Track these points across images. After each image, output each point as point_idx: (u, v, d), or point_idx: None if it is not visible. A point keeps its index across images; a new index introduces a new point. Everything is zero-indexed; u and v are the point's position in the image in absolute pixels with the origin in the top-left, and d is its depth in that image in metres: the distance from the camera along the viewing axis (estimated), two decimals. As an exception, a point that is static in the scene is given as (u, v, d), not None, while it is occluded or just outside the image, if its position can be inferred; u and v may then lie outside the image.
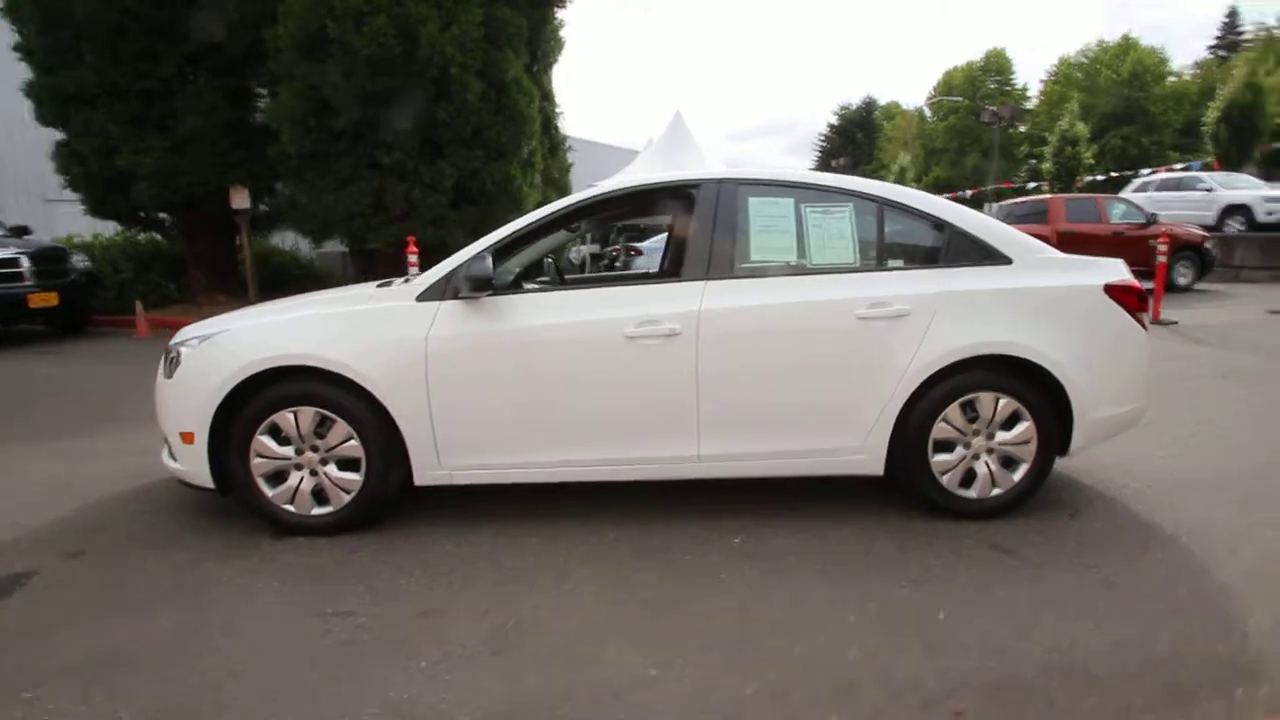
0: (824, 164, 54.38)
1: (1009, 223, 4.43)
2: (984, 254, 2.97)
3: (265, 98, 10.49)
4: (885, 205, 3.04)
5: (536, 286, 3.12)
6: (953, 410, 2.91)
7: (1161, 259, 9.06)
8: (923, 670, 2.00)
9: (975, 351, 2.84)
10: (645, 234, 13.10)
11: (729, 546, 2.81)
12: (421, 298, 2.90)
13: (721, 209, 2.98)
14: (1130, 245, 10.80)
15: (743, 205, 3.00)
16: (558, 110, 13.34)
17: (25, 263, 8.60)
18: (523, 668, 2.05)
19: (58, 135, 10.45)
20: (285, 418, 2.84)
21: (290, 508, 2.91)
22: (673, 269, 3.12)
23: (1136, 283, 3.03)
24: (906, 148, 46.17)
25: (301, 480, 2.90)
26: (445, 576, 2.61)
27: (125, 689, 1.98)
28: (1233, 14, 44.48)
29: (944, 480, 2.96)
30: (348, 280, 13.13)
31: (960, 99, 44.27)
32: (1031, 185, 25.30)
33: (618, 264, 12.76)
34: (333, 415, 2.84)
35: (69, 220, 13.36)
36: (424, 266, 8.02)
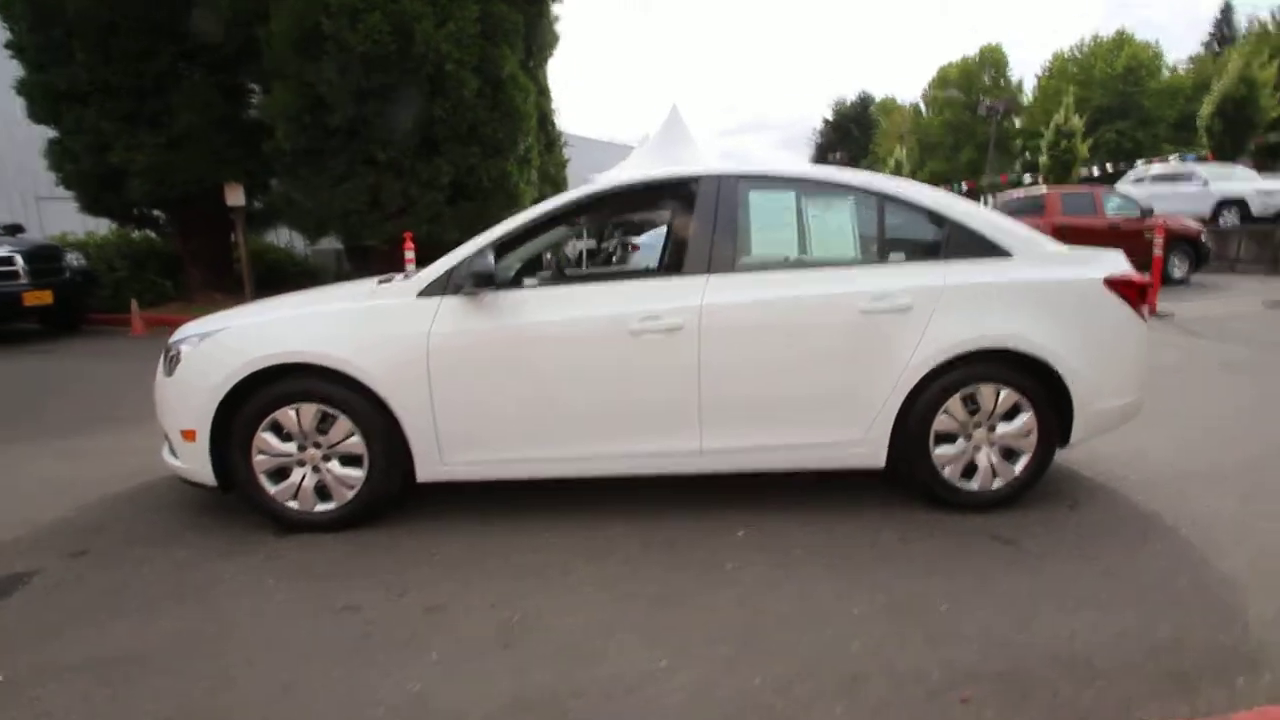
0: (820, 159, 54.38)
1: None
2: (985, 247, 2.98)
3: (259, 94, 10.44)
4: (886, 199, 3.04)
5: (538, 282, 3.12)
6: (954, 403, 2.92)
7: (1157, 252, 9.10)
8: (926, 662, 2.02)
9: (977, 345, 2.86)
10: (641, 229, 13.07)
11: (734, 540, 2.83)
12: (423, 294, 2.90)
13: (723, 204, 2.98)
14: (1126, 238, 10.84)
15: (744, 200, 3.01)
16: (553, 106, 13.31)
17: (19, 261, 8.55)
18: (531, 662, 2.06)
19: (50, 133, 10.38)
20: (287, 414, 2.83)
21: (293, 504, 2.91)
22: (675, 264, 3.12)
23: (1137, 275, 3.05)
24: (902, 142, 46.14)
25: (304, 477, 2.90)
26: (451, 571, 2.62)
27: (134, 688, 1.98)
28: (1227, 9, 44.57)
29: (945, 472, 2.98)
30: (343, 277, 13.10)
31: (955, 93, 44.28)
32: (1027, 179, 25.30)
33: (614, 258, 12.73)
34: (335, 412, 2.84)
35: (61, 218, 13.29)
36: (420, 263, 8.02)
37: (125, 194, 10.11)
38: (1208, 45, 45.46)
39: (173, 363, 2.96)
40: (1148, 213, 11.89)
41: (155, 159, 9.66)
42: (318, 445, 2.88)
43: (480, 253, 2.85)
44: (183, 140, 9.75)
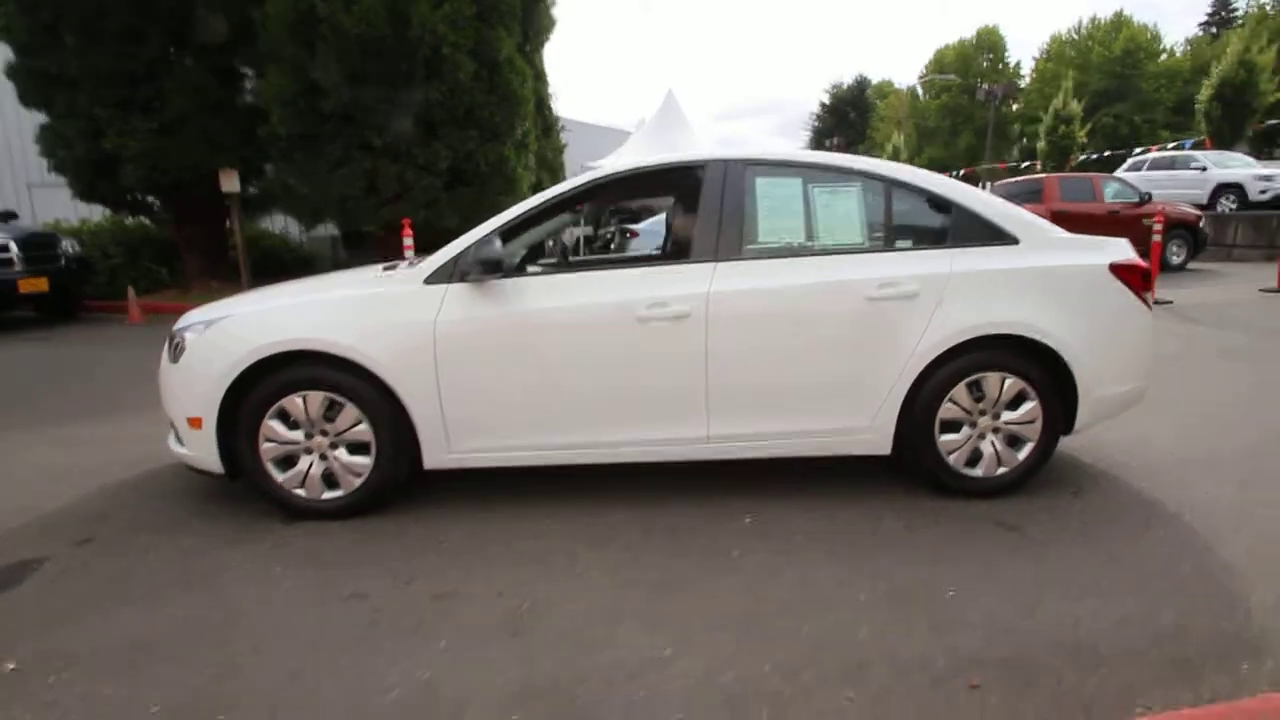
0: (817, 143, 54.16)
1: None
2: (991, 234, 2.98)
3: (253, 79, 10.32)
4: (893, 185, 3.03)
5: (543, 269, 3.11)
6: (959, 390, 2.93)
7: (1157, 238, 9.10)
8: (931, 648, 2.03)
9: (983, 331, 2.86)
10: (638, 216, 13.02)
11: (739, 527, 2.84)
12: (429, 280, 2.88)
13: (729, 190, 2.97)
14: (1125, 225, 10.84)
15: (750, 186, 2.99)
16: (550, 91, 13.20)
17: (14, 248, 8.50)
18: (539, 649, 2.07)
19: (41, 119, 10.26)
20: (294, 402, 2.83)
21: (301, 492, 2.91)
22: (681, 251, 3.10)
23: (1141, 262, 3.05)
24: (899, 128, 45.96)
25: (311, 464, 2.90)
26: (458, 559, 2.63)
27: (147, 674, 1.99)
28: (1224, -10, 44.37)
29: (950, 459, 2.99)
30: (339, 264, 13.05)
31: (953, 76, 44.04)
32: (1025, 164, 25.25)
33: (612, 246, 12.69)
34: (342, 399, 2.83)
35: (53, 205, 13.16)
36: (418, 249, 7.98)
37: (119, 180, 10.02)
38: (1205, 27, 45.30)
39: (177, 350, 2.94)
40: (1146, 199, 11.88)
41: (149, 144, 9.56)
42: (325, 433, 2.88)
43: (487, 239, 2.83)
44: (176, 125, 9.65)
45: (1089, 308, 2.95)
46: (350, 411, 2.84)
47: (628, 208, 13.36)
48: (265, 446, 2.86)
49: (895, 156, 36.22)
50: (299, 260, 13.12)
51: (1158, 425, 3.91)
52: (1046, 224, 3.11)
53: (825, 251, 2.97)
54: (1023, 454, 3.02)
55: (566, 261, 4.21)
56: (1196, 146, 18.60)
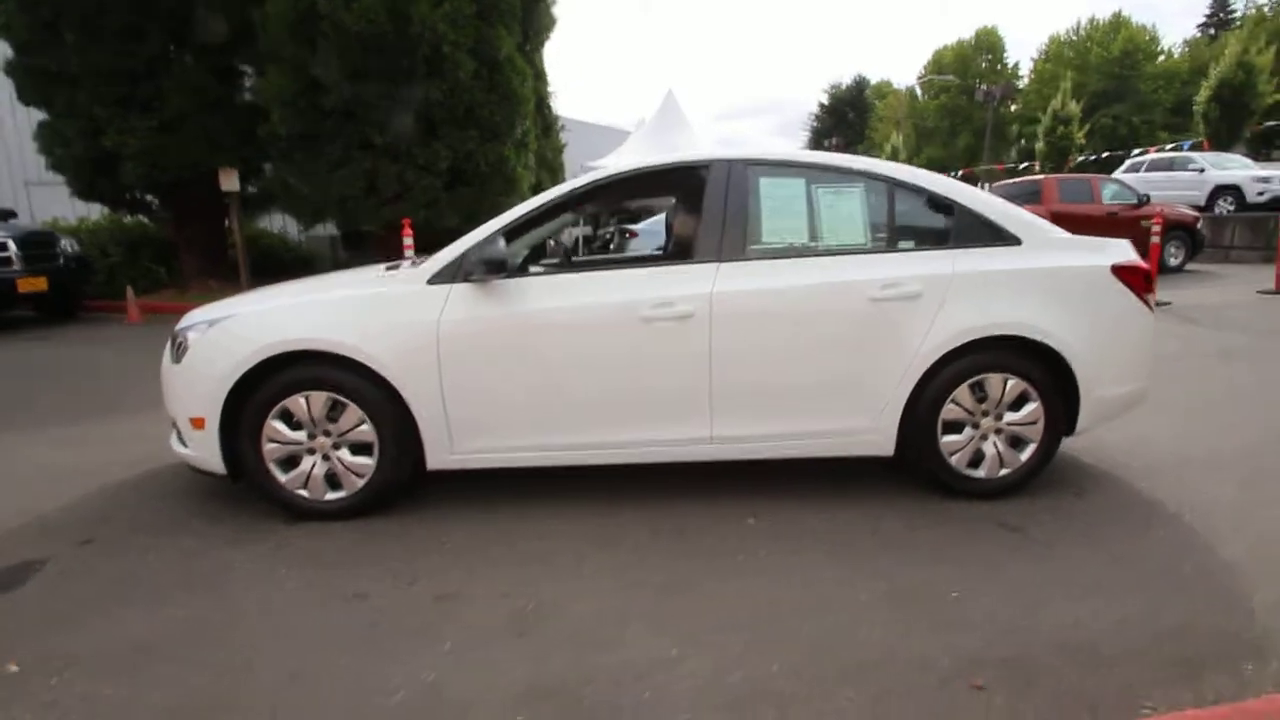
0: (816, 143, 54.20)
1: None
2: (994, 234, 2.98)
3: (253, 78, 10.30)
4: (896, 186, 3.04)
5: (546, 269, 3.11)
6: (962, 391, 2.94)
7: (1155, 240, 9.11)
8: (934, 649, 2.03)
9: (986, 332, 2.86)
10: (638, 217, 13.03)
11: (743, 527, 2.84)
12: (433, 280, 2.88)
13: (732, 190, 2.97)
14: (1123, 226, 10.85)
15: (754, 186, 2.99)
16: (550, 90, 13.20)
17: (13, 247, 8.47)
18: (545, 650, 2.07)
19: (39, 118, 10.23)
20: (297, 402, 2.82)
21: (303, 493, 2.91)
22: (685, 251, 3.10)
23: (1143, 263, 3.06)
24: (898, 127, 46.00)
25: (314, 465, 2.89)
26: (462, 560, 2.63)
27: (148, 675, 1.99)
28: (1223, -9, 44.47)
29: (953, 460, 2.99)
30: (339, 263, 13.04)
31: (951, 77, 44.09)
32: (1023, 165, 25.30)
33: (612, 246, 12.70)
34: (345, 400, 2.83)
35: (50, 204, 13.12)
36: (418, 249, 7.97)
37: (118, 178, 9.98)
38: (1203, 28, 45.40)
39: (180, 350, 2.93)
40: (1144, 200, 11.90)
41: (148, 143, 9.53)
42: (328, 433, 2.87)
43: (490, 239, 2.83)
44: (176, 124, 9.62)
45: (1091, 309, 2.95)
46: (353, 412, 2.84)
47: (627, 208, 13.37)
48: (268, 447, 2.85)
49: (894, 157, 36.24)
50: (298, 260, 13.10)
51: (1158, 425, 3.92)
52: (1048, 225, 3.11)
53: (828, 252, 2.98)
54: (1025, 455, 3.02)
55: (570, 261, 4.21)
56: (1194, 148, 18.63)
